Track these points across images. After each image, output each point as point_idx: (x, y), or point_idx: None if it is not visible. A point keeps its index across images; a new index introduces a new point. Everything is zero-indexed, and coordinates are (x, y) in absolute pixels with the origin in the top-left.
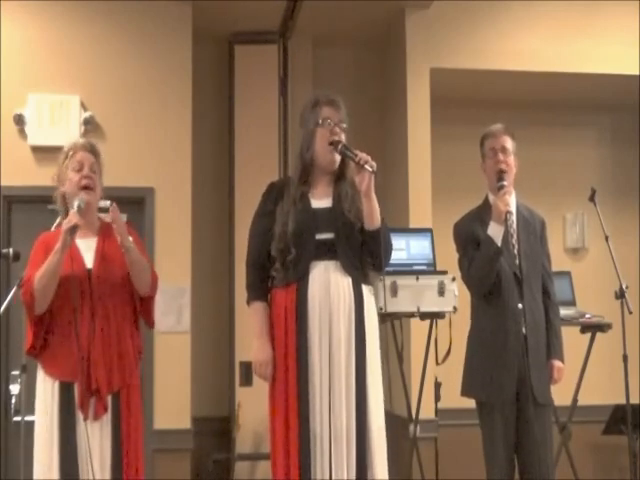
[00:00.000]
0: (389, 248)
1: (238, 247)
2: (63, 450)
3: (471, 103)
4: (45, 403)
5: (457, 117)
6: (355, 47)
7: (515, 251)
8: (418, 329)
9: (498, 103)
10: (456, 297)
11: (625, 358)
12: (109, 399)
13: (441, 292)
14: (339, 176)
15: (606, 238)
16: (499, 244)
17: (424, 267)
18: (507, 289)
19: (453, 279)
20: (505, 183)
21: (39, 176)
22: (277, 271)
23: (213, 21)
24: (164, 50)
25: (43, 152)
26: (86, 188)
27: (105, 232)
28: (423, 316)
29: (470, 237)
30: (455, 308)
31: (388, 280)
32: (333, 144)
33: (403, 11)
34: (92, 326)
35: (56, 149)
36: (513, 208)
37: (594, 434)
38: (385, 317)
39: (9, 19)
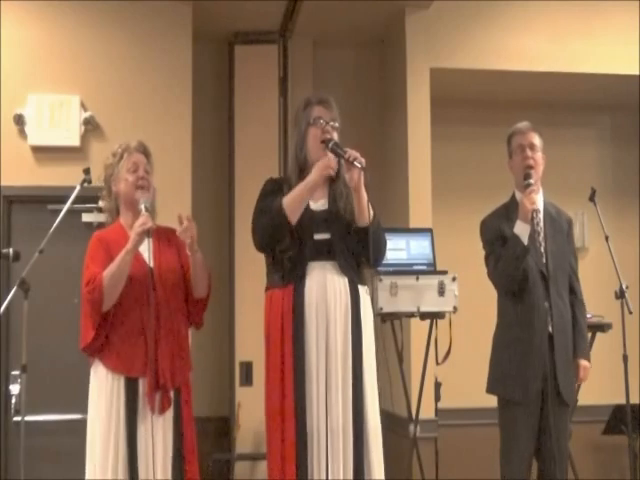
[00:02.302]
0: (383, 244)
1: (238, 247)
2: (130, 448)
3: (471, 103)
4: (110, 400)
5: (457, 117)
6: (355, 47)
7: (542, 249)
8: (418, 329)
9: (498, 103)
10: (456, 297)
11: (625, 358)
12: (172, 394)
13: (441, 292)
14: (338, 176)
15: (606, 238)
16: (525, 242)
17: (424, 267)
18: (533, 287)
19: (453, 279)
20: (532, 181)
21: (39, 176)
22: (275, 269)
23: (213, 21)
24: (164, 50)
25: (43, 152)
26: (141, 188)
27: (156, 233)
28: (423, 316)
29: (497, 234)
30: (455, 308)
31: (388, 280)
32: (324, 142)
33: (403, 11)
34: (158, 323)
35: (56, 149)
36: (540, 206)
37: (594, 434)
38: (385, 317)
39: (9, 19)
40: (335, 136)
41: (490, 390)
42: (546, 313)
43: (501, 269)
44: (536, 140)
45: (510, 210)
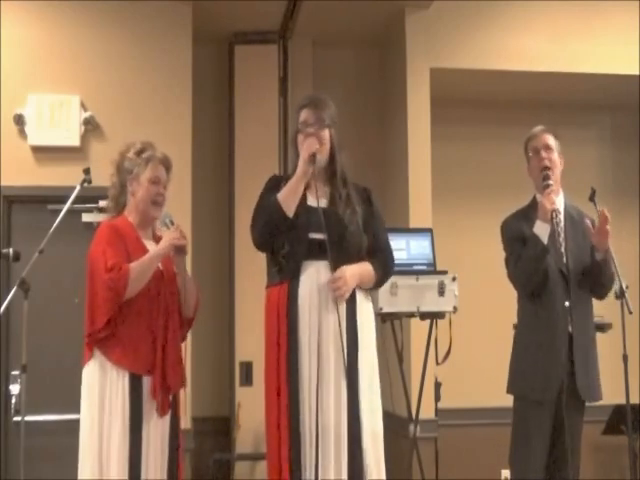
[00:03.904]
0: (390, 272)
1: (238, 247)
2: (133, 446)
3: (471, 103)
4: (114, 395)
5: (457, 117)
6: (355, 47)
7: (562, 249)
8: (418, 329)
9: (498, 103)
10: (456, 297)
11: (625, 358)
12: (170, 397)
13: (441, 292)
14: (333, 175)
15: None
16: (545, 242)
17: (424, 267)
18: (554, 287)
19: (453, 279)
20: (550, 182)
21: (39, 176)
22: (273, 267)
23: (213, 21)
24: (164, 50)
25: (43, 152)
26: (157, 203)
27: (159, 241)
28: (423, 316)
29: (517, 235)
30: (455, 308)
31: (388, 280)
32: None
33: (403, 11)
34: (166, 325)
35: (56, 149)
36: (561, 207)
37: (594, 434)
38: (385, 317)
39: (9, 19)
40: (326, 135)
41: (510, 390)
42: (566, 313)
43: (521, 269)
44: (550, 141)
45: (530, 211)
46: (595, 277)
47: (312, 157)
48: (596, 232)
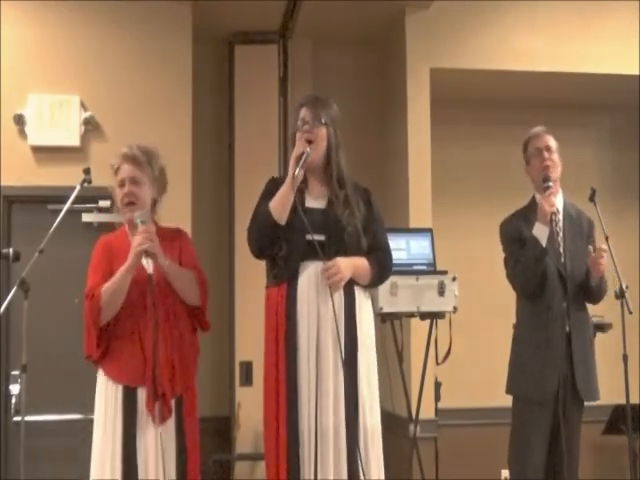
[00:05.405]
0: (387, 274)
1: (238, 247)
2: (127, 458)
3: (471, 103)
4: (109, 407)
5: (457, 117)
6: (355, 47)
7: (560, 250)
8: (418, 329)
9: (498, 103)
10: (456, 297)
11: (625, 358)
12: (173, 402)
13: (441, 292)
14: (330, 176)
15: (606, 238)
16: (544, 244)
17: (424, 267)
18: (552, 288)
19: (453, 279)
20: (551, 184)
21: (39, 176)
22: (271, 267)
23: (213, 21)
24: (164, 50)
25: (43, 152)
26: (129, 204)
27: (158, 234)
28: (423, 316)
29: (515, 236)
30: (455, 308)
31: (388, 280)
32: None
33: (403, 11)
34: (156, 331)
35: (56, 149)
36: (560, 206)
37: (594, 434)
38: (385, 317)
39: (9, 19)
40: (321, 134)
41: (509, 390)
42: (564, 313)
43: (520, 271)
44: (552, 142)
45: (529, 212)
46: (588, 293)
47: (298, 159)
48: (592, 264)
